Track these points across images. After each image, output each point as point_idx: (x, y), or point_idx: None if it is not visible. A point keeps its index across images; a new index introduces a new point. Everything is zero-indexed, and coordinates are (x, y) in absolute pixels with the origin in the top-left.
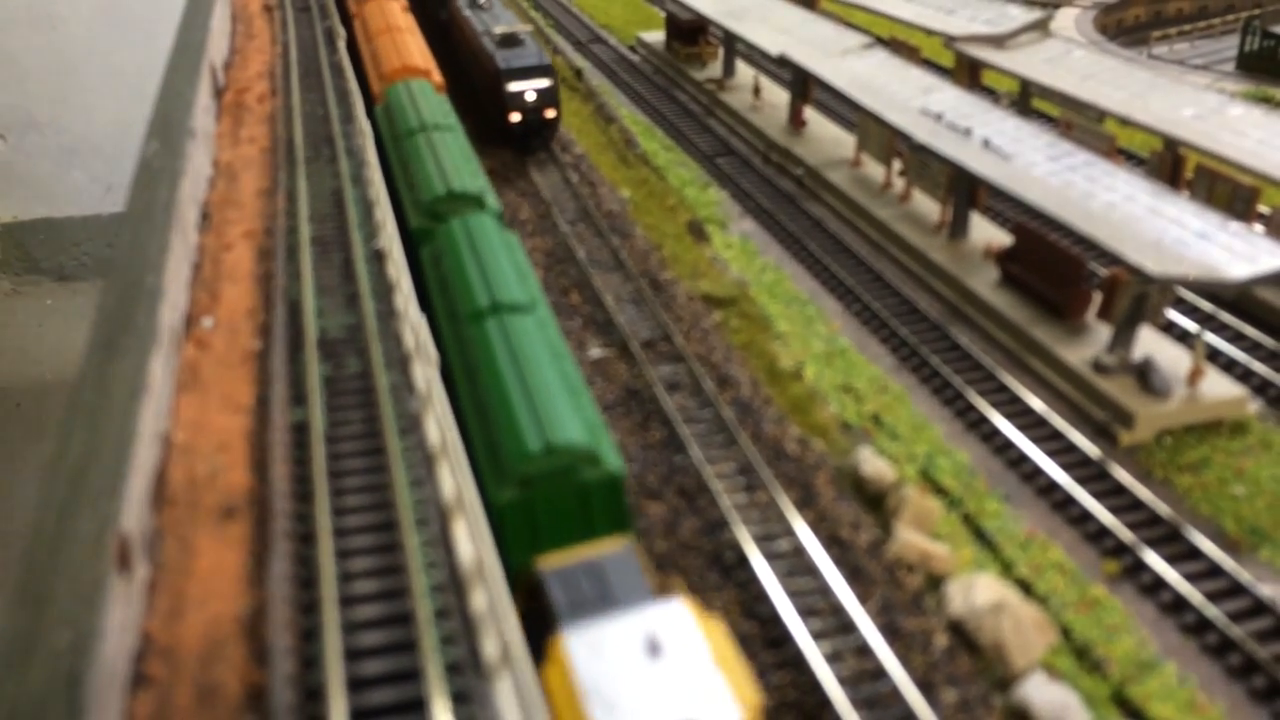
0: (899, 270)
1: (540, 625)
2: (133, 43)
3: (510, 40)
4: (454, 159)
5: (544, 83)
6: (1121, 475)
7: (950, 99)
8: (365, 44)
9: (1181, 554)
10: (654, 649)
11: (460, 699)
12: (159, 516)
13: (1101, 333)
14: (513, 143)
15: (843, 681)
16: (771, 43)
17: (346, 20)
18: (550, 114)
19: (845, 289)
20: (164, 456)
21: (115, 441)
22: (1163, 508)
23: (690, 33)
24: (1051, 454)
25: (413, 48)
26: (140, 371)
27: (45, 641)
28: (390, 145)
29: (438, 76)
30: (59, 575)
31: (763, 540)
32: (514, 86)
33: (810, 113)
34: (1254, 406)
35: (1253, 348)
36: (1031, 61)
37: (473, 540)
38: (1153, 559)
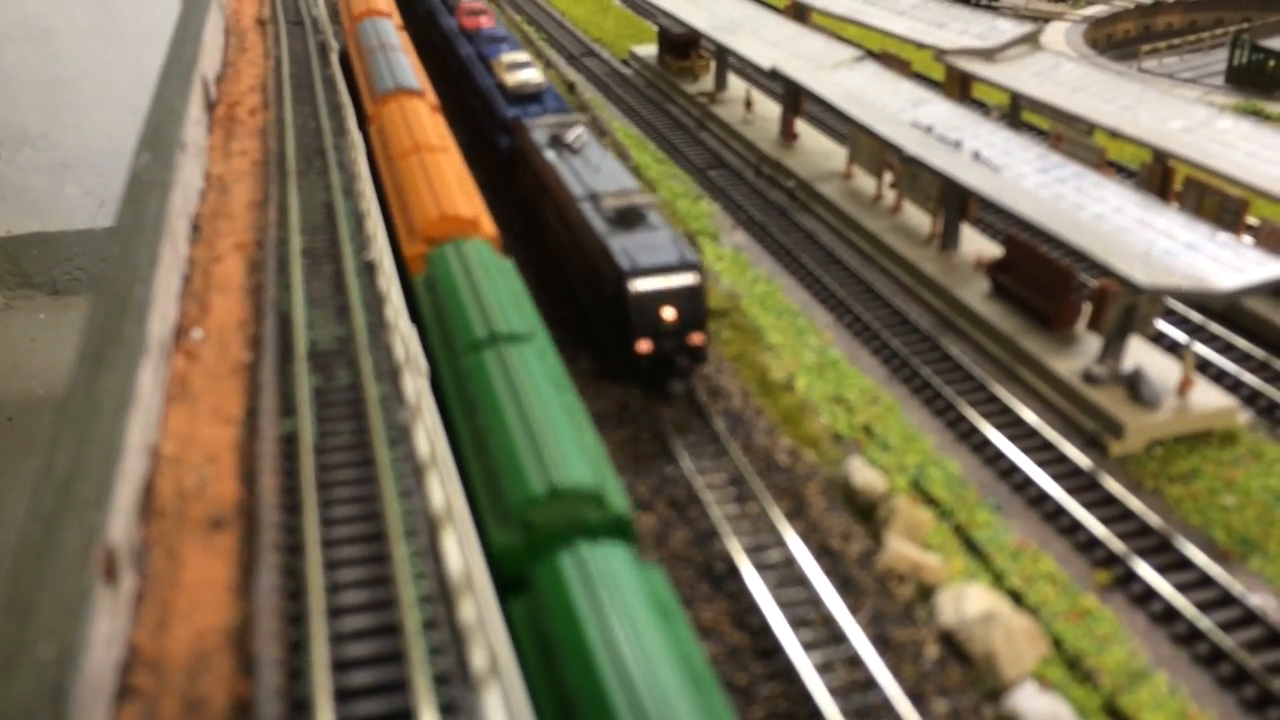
0: (890, 282)
1: None
2: (126, 58)
3: (630, 218)
4: (556, 428)
5: (687, 280)
6: (1112, 486)
7: (941, 112)
8: (387, 171)
9: (1172, 564)
10: None
11: (448, 710)
12: (146, 528)
13: (1092, 344)
14: (636, 377)
15: (834, 692)
16: (763, 56)
17: (363, 124)
18: (697, 339)
19: (837, 300)
20: (152, 468)
21: (103, 453)
22: (1153, 518)
23: (682, 47)
24: (1042, 464)
25: (456, 187)
26: (129, 383)
27: (30, 653)
28: (444, 361)
29: (491, 225)
30: (45, 586)
31: (753, 551)
32: (640, 291)
33: (802, 126)
34: (1244, 417)
35: (1242, 358)
36: (1021, 75)
37: (461, 551)
38: (1144, 569)
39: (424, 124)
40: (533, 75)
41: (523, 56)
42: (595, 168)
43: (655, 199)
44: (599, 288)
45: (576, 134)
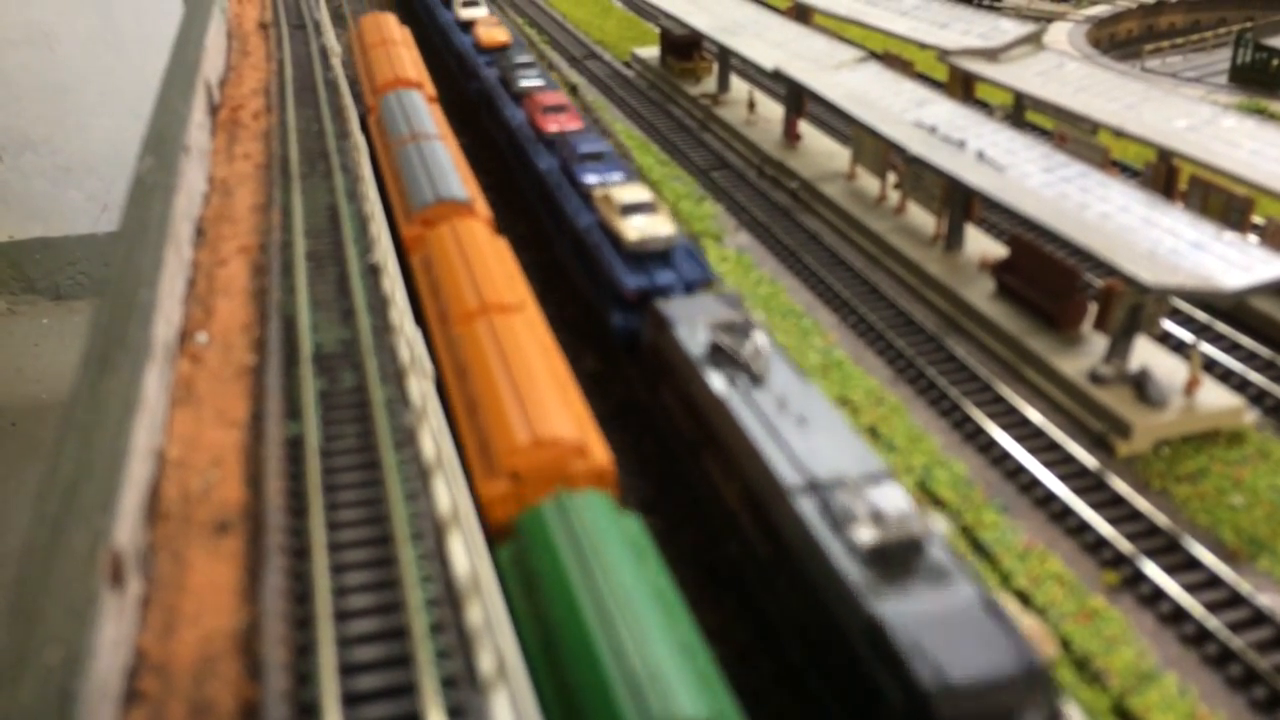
0: (895, 282)
1: None
2: (128, 63)
3: (900, 554)
4: None
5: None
6: (1119, 486)
7: (944, 112)
8: (444, 345)
9: (1180, 564)
10: None
11: (456, 713)
12: (152, 531)
13: (1098, 343)
14: None
15: None
16: (766, 58)
17: (400, 247)
18: None
19: (841, 301)
20: (158, 471)
21: (108, 456)
22: (1161, 518)
23: (685, 48)
24: (1049, 465)
25: (554, 395)
26: (134, 386)
27: (37, 657)
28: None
29: (606, 455)
30: (51, 591)
31: None
32: None
33: (805, 126)
34: (1251, 416)
35: (1249, 357)
36: (1025, 74)
37: (468, 554)
38: (1152, 570)
39: (487, 263)
40: (659, 225)
41: (640, 192)
42: (801, 418)
43: (927, 521)
44: (851, 683)
45: (755, 344)
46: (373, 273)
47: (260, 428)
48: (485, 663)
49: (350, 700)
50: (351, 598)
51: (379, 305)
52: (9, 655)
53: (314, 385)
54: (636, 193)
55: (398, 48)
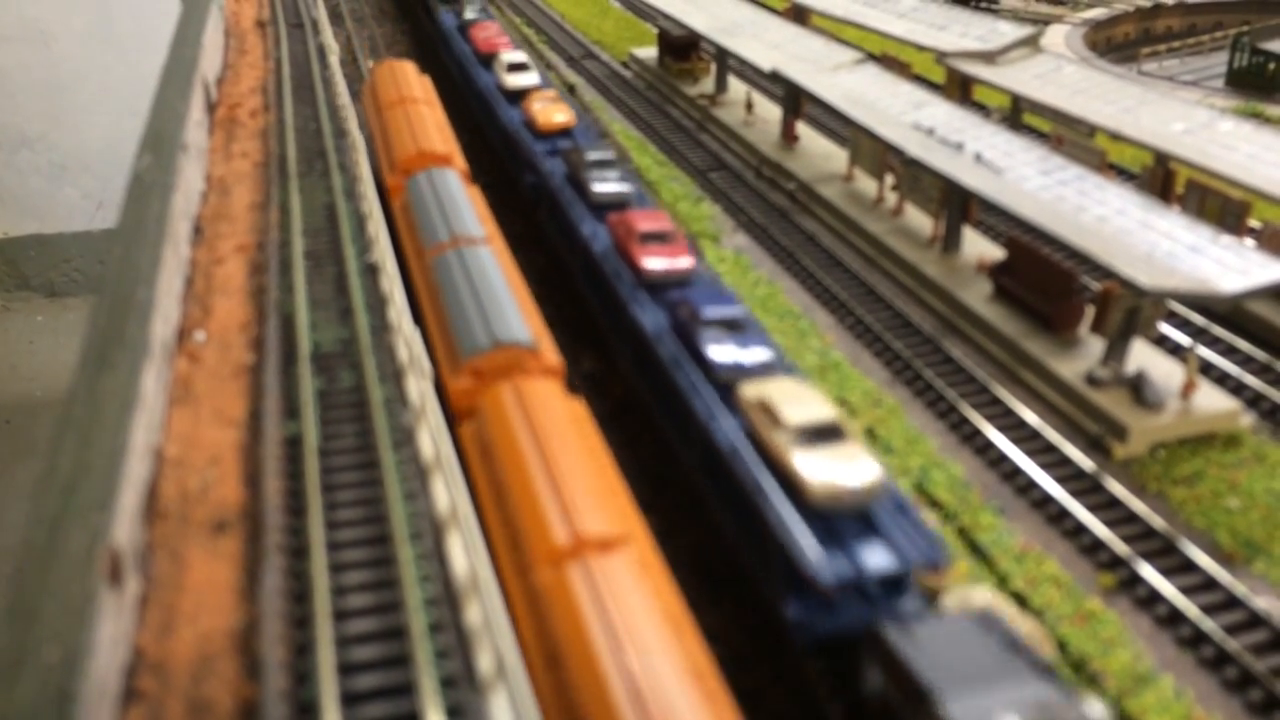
0: (892, 284)
1: None
2: (125, 60)
3: None
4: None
5: None
6: (1116, 488)
7: (942, 114)
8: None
9: (1176, 567)
10: None
11: (455, 713)
12: (150, 531)
13: (1094, 346)
14: None
15: None
16: (764, 58)
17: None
18: None
19: (838, 303)
20: (156, 470)
21: (106, 455)
22: (1157, 521)
23: (682, 49)
24: (1046, 467)
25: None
26: (132, 385)
27: (36, 656)
28: None
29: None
30: (50, 589)
31: None
32: None
33: (802, 128)
34: (1247, 419)
35: (1245, 361)
36: (1022, 77)
37: (467, 554)
38: (1148, 572)
39: (570, 452)
40: (853, 461)
41: (814, 401)
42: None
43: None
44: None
45: None
46: (371, 272)
47: (258, 427)
48: (484, 662)
49: (349, 700)
50: (350, 597)
51: (377, 304)
52: (7, 654)
53: (312, 384)
54: (808, 400)
55: (419, 108)
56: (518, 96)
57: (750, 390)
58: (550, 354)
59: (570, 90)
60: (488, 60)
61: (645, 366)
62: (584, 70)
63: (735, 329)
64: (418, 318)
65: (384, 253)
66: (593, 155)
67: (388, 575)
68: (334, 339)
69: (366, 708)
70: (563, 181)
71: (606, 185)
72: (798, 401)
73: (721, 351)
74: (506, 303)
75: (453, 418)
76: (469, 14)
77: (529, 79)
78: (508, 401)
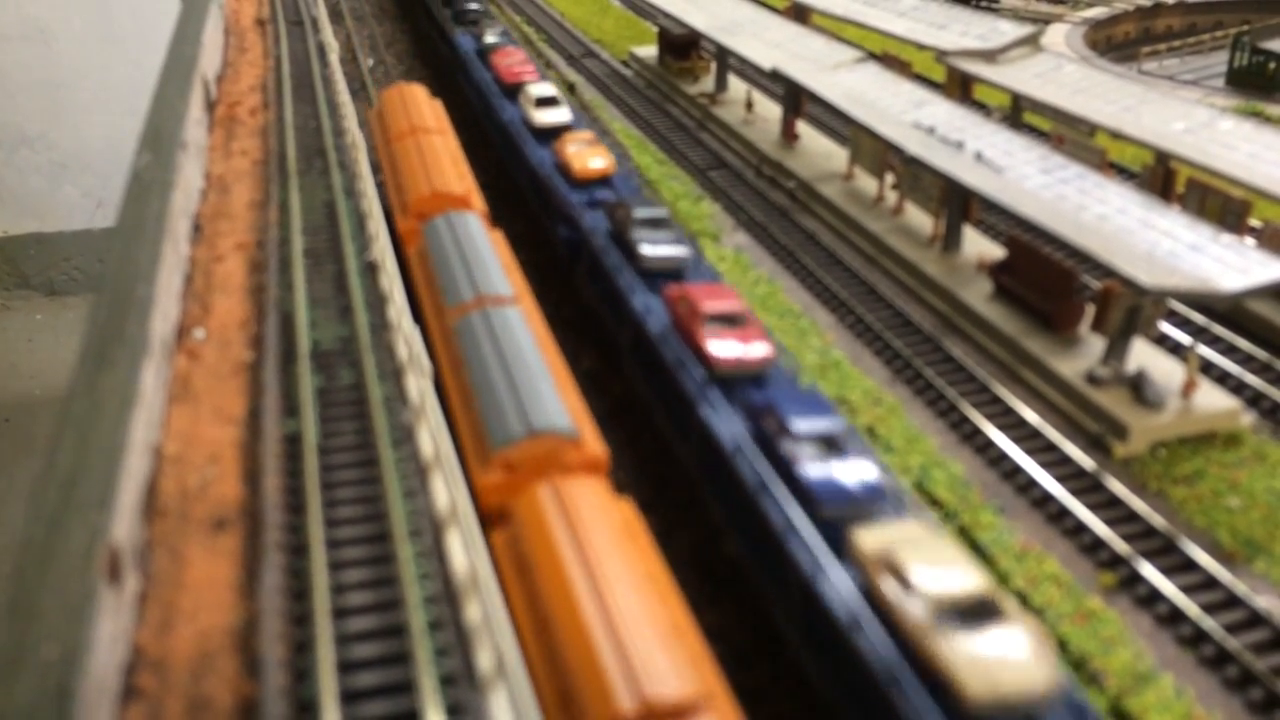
0: (892, 283)
1: None
2: (124, 59)
3: None
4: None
5: None
6: (1116, 487)
7: (942, 113)
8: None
9: (1177, 566)
10: None
11: (455, 711)
12: (150, 528)
13: (1095, 345)
14: None
15: None
16: (764, 57)
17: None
18: None
19: (839, 302)
20: (155, 468)
21: (106, 452)
22: (1158, 519)
23: (683, 48)
24: (1046, 466)
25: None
26: (131, 382)
27: (34, 653)
28: None
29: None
30: (49, 587)
31: None
32: None
33: (802, 126)
34: (1248, 418)
35: (1245, 360)
36: (1023, 76)
37: (466, 552)
38: (1149, 571)
39: (621, 572)
40: (1028, 662)
41: (961, 569)
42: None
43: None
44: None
45: None
46: (370, 270)
47: (258, 424)
48: (484, 660)
49: (348, 697)
50: (349, 594)
51: (377, 302)
52: (7, 651)
53: (312, 382)
54: (948, 560)
55: (432, 140)
56: (548, 135)
57: (865, 542)
58: (594, 443)
59: (570, 89)
60: (512, 91)
61: (718, 482)
62: (584, 69)
63: (833, 447)
64: (440, 390)
65: (383, 250)
66: (641, 212)
67: (387, 573)
68: (333, 337)
69: (366, 705)
70: (606, 241)
71: (659, 249)
72: (937, 562)
73: (812, 468)
74: (542, 381)
75: (482, 517)
76: (490, 38)
77: (560, 115)
78: (547, 507)
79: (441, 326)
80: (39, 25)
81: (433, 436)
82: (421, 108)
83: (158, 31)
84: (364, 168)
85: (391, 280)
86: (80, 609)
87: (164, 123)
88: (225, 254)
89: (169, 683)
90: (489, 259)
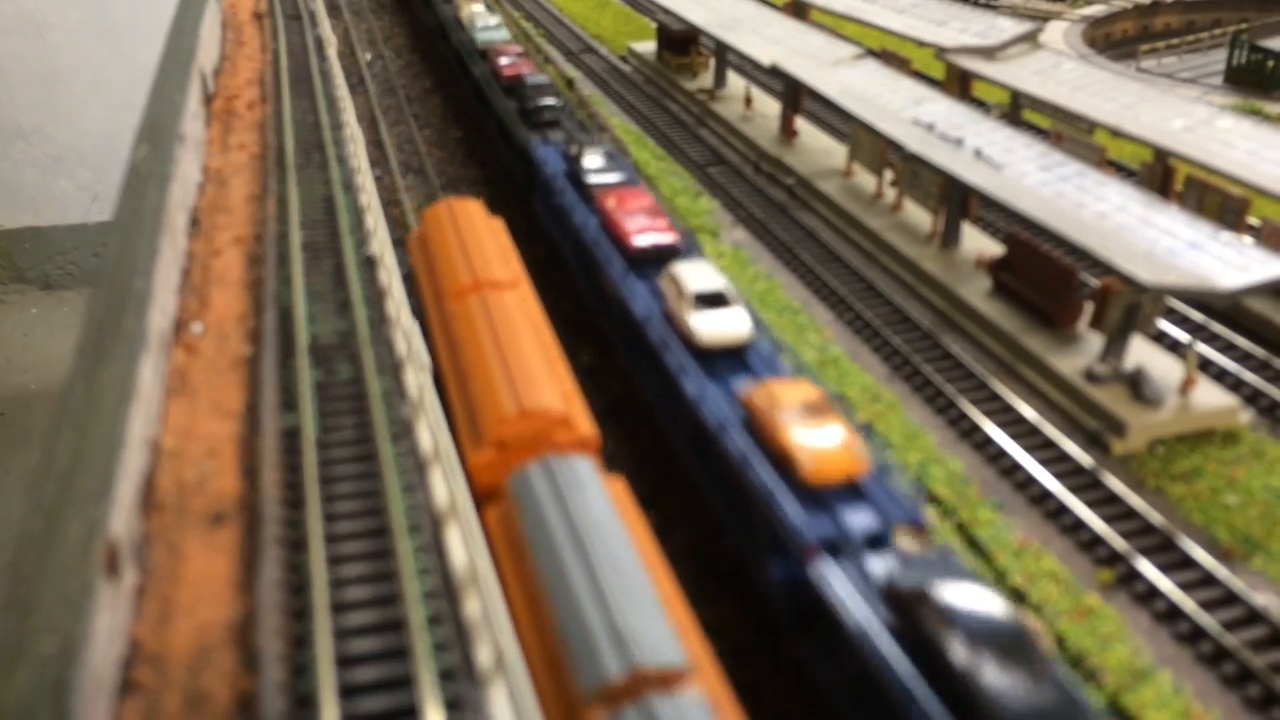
0: (891, 280)
1: None
2: (121, 52)
3: None
4: None
5: None
6: (1114, 484)
7: (941, 109)
8: None
9: (1175, 563)
10: None
11: (454, 706)
12: (147, 522)
13: (1093, 342)
14: None
15: None
16: (763, 53)
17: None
18: None
19: (837, 298)
20: (153, 462)
21: (104, 446)
22: (1155, 517)
23: (681, 43)
24: (1044, 463)
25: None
26: (129, 376)
27: (32, 647)
28: None
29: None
30: (46, 580)
31: None
32: None
33: (801, 123)
34: (1245, 416)
35: (1243, 358)
36: (1022, 73)
37: (465, 547)
38: (1146, 568)
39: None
40: None
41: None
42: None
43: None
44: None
45: None
46: (369, 265)
47: (256, 419)
48: (483, 655)
49: (347, 692)
50: (348, 590)
51: (375, 297)
52: (5, 644)
53: (310, 377)
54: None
55: (505, 307)
56: (721, 362)
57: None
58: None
59: (569, 84)
60: (644, 262)
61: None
62: (582, 64)
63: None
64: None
65: (383, 245)
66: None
67: (386, 568)
68: (332, 331)
69: (365, 700)
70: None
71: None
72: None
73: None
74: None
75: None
76: (591, 161)
77: (735, 324)
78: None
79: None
80: (34, 18)
81: (432, 431)
82: (482, 240)
83: (154, 25)
84: (363, 163)
85: (390, 275)
86: (78, 603)
87: (162, 116)
88: (223, 248)
89: (167, 677)
90: (611, 530)
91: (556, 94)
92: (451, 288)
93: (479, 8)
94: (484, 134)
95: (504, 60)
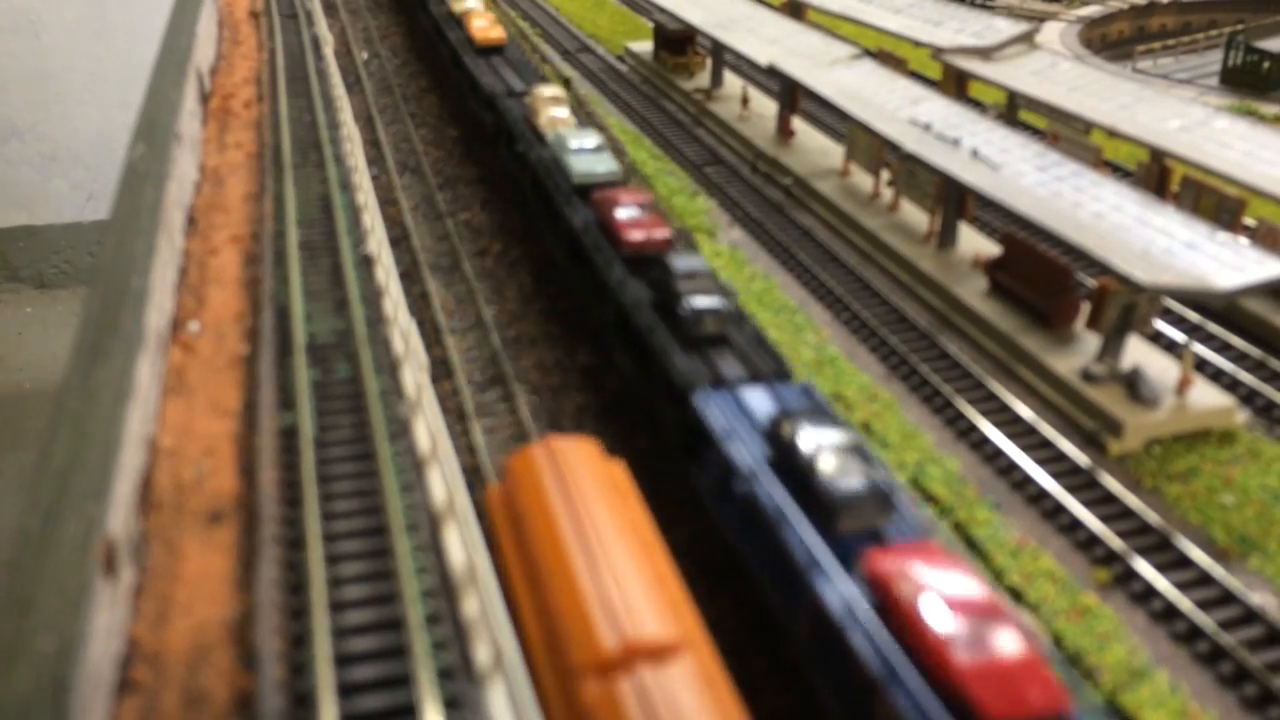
0: (888, 279)
1: None
2: (116, 51)
3: None
4: None
5: None
6: (1111, 484)
7: (938, 109)
8: None
9: (1171, 562)
10: None
11: (452, 705)
12: (145, 521)
13: (1090, 342)
14: None
15: None
16: (760, 53)
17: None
18: None
19: (834, 298)
20: (150, 461)
21: (101, 445)
22: (1152, 516)
23: (678, 43)
24: (1041, 462)
25: None
26: (126, 375)
27: (30, 646)
28: None
29: None
30: (44, 579)
31: None
32: None
33: (798, 123)
34: (1242, 416)
35: (1240, 358)
36: (1018, 73)
37: (464, 546)
38: (1143, 567)
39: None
40: None
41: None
42: None
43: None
44: None
45: None
46: (366, 263)
47: (253, 418)
48: (482, 654)
49: (346, 691)
50: (346, 588)
51: (373, 296)
52: (2, 643)
53: (308, 375)
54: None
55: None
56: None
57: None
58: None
59: (565, 83)
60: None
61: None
62: (579, 64)
63: None
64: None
65: (380, 244)
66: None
67: (384, 567)
68: (329, 330)
69: (363, 699)
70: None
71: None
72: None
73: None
74: None
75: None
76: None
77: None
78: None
79: None
80: (29, 16)
81: (429, 430)
82: (611, 542)
83: (150, 23)
84: (360, 162)
85: (387, 273)
86: (76, 601)
87: (158, 114)
88: (220, 247)
89: (165, 675)
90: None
91: (716, 282)
92: (576, 652)
93: (562, 112)
94: (586, 324)
95: (622, 214)
